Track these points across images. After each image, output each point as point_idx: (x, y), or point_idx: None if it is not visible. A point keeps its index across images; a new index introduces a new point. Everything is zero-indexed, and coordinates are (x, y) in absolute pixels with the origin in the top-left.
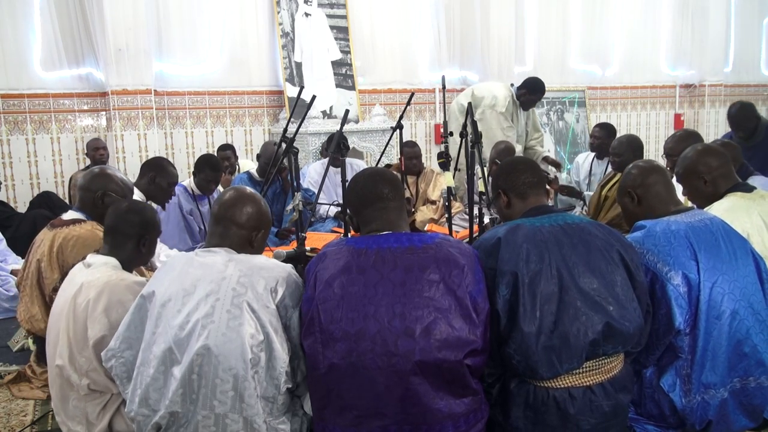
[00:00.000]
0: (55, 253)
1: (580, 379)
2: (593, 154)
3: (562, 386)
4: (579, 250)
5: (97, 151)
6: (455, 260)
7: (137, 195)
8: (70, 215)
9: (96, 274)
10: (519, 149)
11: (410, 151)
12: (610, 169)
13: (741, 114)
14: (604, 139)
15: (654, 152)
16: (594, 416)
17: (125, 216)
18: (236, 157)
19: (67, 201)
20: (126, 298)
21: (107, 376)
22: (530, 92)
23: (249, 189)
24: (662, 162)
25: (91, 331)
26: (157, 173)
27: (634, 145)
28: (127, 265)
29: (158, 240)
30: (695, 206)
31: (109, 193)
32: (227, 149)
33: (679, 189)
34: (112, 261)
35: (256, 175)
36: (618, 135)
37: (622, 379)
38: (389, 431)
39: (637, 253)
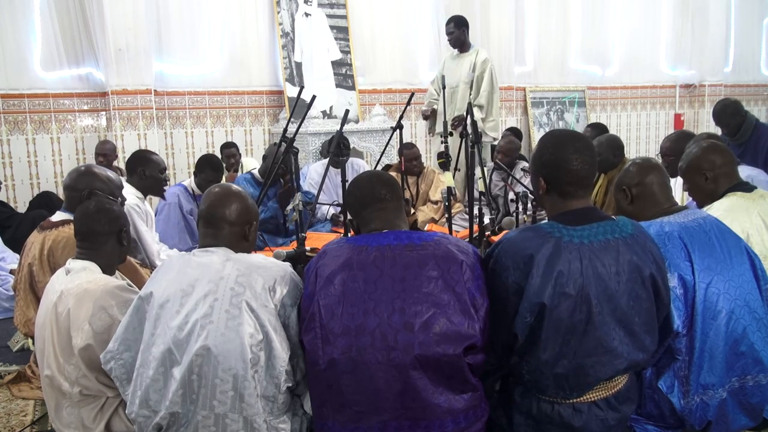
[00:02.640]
0: (46, 256)
1: (585, 396)
2: None
3: (567, 402)
4: (613, 278)
5: (106, 158)
6: (454, 257)
7: (132, 192)
8: (58, 216)
9: (75, 280)
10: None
11: (409, 153)
12: None
13: (724, 110)
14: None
15: (654, 152)
16: (598, 428)
17: (97, 216)
18: (240, 155)
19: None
20: (108, 303)
21: (99, 381)
22: (456, 25)
23: (233, 185)
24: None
25: (75, 339)
26: (145, 166)
27: (613, 145)
28: (109, 267)
29: (157, 239)
30: (695, 203)
31: (96, 192)
32: (231, 146)
33: (680, 183)
34: (91, 266)
35: (258, 176)
36: (615, 135)
37: (626, 392)
38: (389, 427)
39: (666, 272)
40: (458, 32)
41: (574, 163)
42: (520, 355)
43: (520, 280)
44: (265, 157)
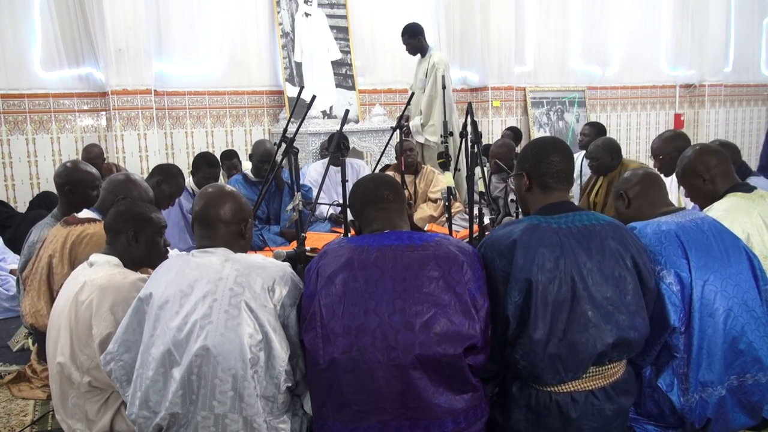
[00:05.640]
0: (68, 250)
1: (582, 384)
2: (583, 153)
3: (565, 391)
4: (594, 256)
5: (95, 163)
6: (455, 257)
7: None
8: (85, 213)
9: (99, 272)
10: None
11: (405, 144)
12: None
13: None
14: (593, 137)
15: None
16: (596, 420)
17: (117, 211)
18: (241, 163)
19: None
20: (131, 296)
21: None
22: (410, 36)
23: (225, 185)
24: (650, 163)
25: (96, 329)
26: (165, 180)
27: (610, 148)
28: (129, 264)
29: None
30: (696, 207)
31: (129, 199)
32: (233, 157)
33: (680, 190)
34: (113, 260)
35: (250, 175)
36: (612, 135)
37: (624, 383)
38: (389, 427)
39: (650, 258)
40: (414, 41)
41: (553, 157)
42: (513, 342)
43: (506, 267)
44: (251, 156)
